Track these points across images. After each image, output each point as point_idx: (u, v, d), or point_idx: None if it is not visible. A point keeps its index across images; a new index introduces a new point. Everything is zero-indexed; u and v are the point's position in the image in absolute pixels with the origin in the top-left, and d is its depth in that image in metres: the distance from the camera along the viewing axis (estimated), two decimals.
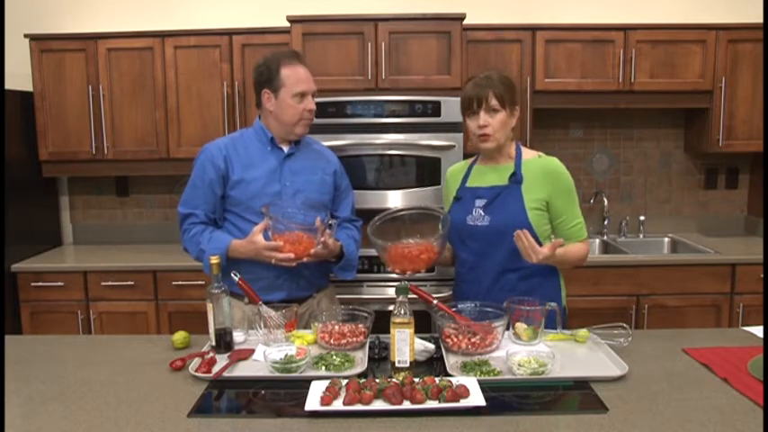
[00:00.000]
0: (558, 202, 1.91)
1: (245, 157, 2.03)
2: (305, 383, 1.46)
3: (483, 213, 1.92)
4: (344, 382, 1.44)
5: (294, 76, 1.98)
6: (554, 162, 1.94)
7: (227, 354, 1.69)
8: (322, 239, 1.90)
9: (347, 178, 2.24)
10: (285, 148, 2.08)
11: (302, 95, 1.99)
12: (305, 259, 1.90)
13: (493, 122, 1.88)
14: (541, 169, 1.92)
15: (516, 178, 1.91)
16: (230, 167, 2.01)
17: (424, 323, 1.94)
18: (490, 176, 1.97)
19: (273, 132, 2.06)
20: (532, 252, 1.76)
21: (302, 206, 1.98)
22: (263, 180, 2.01)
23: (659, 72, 3.20)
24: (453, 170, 2.12)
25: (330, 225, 1.93)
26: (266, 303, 1.83)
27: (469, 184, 2.01)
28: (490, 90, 1.86)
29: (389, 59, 3.04)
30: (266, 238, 1.91)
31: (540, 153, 1.98)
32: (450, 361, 1.62)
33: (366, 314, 1.81)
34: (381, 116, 2.96)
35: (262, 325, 1.78)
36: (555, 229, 1.94)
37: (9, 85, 3.18)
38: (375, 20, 3.03)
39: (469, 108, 1.90)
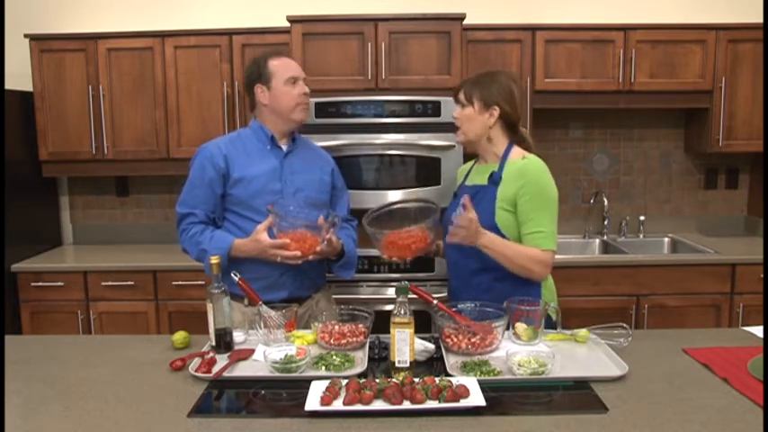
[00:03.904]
0: (523, 204, 1.85)
1: (244, 156, 2.04)
2: (305, 383, 1.46)
3: (463, 212, 1.93)
4: (344, 382, 1.44)
5: (283, 65, 2.02)
6: (532, 164, 1.89)
7: (227, 354, 1.69)
8: (327, 236, 1.91)
9: (342, 178, 2.25)
10: (284, 147, 2.09)
11: (294, 80, 2.02)
12: (310, 257, 1.91)
13: (460, 116, 1.95)
14: (517, 169, 1.88)
15: (493, 179, 1.92)
16: (230, 166, 2.01)
17: (424, 323, 1.94)
18: (479, 176, 2.00)
19: (273, 129, 2.07)
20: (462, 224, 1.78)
21: (304, 204, 1.99)
22: (264, 178, 2.02)
23: (659, 72, 3.20)
24: (461, 169, 2.20)
25: (334, 223, 1.94)
26: (268, 303, 1.83)
27: (466, 182, 2.05)
28: (462, 86, 1.96)
29: (389, 59, 3.04)
30: (270, 236, 1.91)
31: (528, 155, 1.93)
32: (451, 361, 1.62)
33: (366, 314, 1.81)
34: (381, 116, 2.96)
35: (262, 325, 1.78)
36: (520, 236, 1.89)
37: (9, 85, 3.18)
38: (375, 20, 3.03)
39: (454, 102, 2.01)
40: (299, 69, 2.06)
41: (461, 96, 1.94)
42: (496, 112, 1.92)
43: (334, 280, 2.23)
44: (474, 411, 1.35)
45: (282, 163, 2.06)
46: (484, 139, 1.96)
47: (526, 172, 1.88)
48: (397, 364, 1.58)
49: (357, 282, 2.99)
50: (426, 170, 2.99)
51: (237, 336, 1.80)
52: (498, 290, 1.87)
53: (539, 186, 1.87)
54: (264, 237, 1.90)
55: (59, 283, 3.09)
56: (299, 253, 1.88)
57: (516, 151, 1.96)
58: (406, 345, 1.57)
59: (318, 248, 1.90)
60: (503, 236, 1.87)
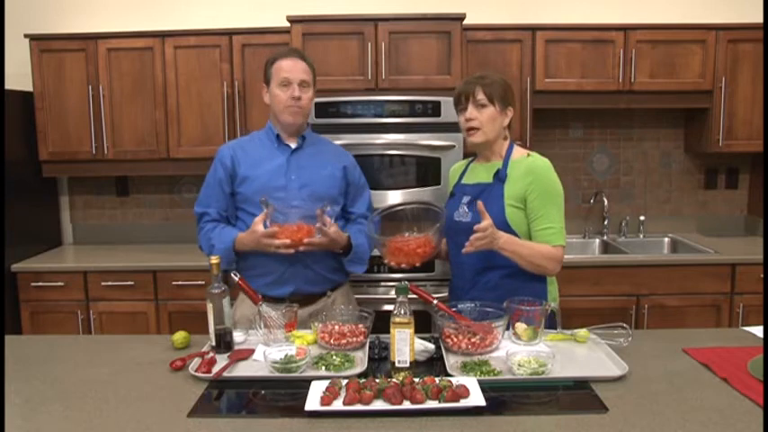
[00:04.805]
0: (533, 201, 1.88)
1: (252, 156, 2.08)
2: (305, 383, 1.46)
3: (467, 210, 1.94)
4: (344, 382, 1.44)
5: (281, 67, 2.02)
6: (539, 162, 1.93)
7: (227, 354, 1.69)
8: (317, 225, 1.90)
9: (363, 176, 2.24)
10: (292, 145, 2.10)
11: (287, 83, 2.01)
12: (301, 248, 1.90)
13: (480, 116, 1.91)
14: (525, 167, 1.91)
15: (500, 176, 1.93)
16: (237, 165, 2.06)
17: (424, 323, 1.94)
18: (480, 174, 2.00)
19: (277, 129, 2.10)
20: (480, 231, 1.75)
21: (308, 199, 1.99)
22: (267, 175, 2.05)
23: (659, 72, 3.20)
24: (454, 168, 2.18)
25: (324, 211, 1.91)
26: (275, 299, 1.84)
27: (464, 181, 2.05)
28: (478, 86, 1.91)
29: (389, 59, 3.04)
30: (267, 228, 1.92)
31: (532, 153, 1.98)
32: (450, 361, 1.62)
33: (366, 314, 1.81)
34: (381, 116, 2.96)
35: (262, 325, 1.78)
36: (530, 232, 1.91)
37: (9, 85, 3.18)
38: (375, 20, 3.03)
39: (459, 103, 1.96)
40: (295, 71, 2.02)
41: (481, 96, 1.90)
42: (511, 112, 1.96)
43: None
44: (474, 411, 1.35)
45: (289, 160, 2.08)
46: (500, 139, 1.97)
47: (534, 169, 1.90)
48: (397, 364, 1.58)
49: (358, 281, 2.99)
50: (426, 170, 2.99)
51: (237, 336, 1.80)
52: (507, 286, 1.88)
53: (547, 183, 1.90)
54: (259, 228, 1.91)
55: (59, 283, 3.09)
56: (288, 241, 1.88)
57: (518, 149, 1.99)
58: (406, 345, 1.57)
59: (307, 240, 1.89)
60: (513, 232, 1.87)
